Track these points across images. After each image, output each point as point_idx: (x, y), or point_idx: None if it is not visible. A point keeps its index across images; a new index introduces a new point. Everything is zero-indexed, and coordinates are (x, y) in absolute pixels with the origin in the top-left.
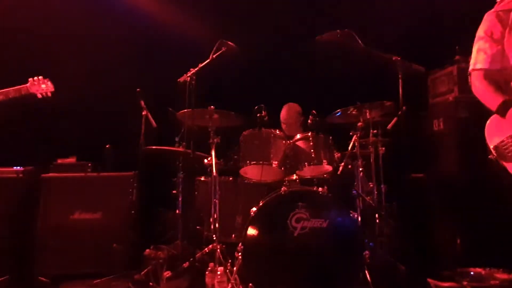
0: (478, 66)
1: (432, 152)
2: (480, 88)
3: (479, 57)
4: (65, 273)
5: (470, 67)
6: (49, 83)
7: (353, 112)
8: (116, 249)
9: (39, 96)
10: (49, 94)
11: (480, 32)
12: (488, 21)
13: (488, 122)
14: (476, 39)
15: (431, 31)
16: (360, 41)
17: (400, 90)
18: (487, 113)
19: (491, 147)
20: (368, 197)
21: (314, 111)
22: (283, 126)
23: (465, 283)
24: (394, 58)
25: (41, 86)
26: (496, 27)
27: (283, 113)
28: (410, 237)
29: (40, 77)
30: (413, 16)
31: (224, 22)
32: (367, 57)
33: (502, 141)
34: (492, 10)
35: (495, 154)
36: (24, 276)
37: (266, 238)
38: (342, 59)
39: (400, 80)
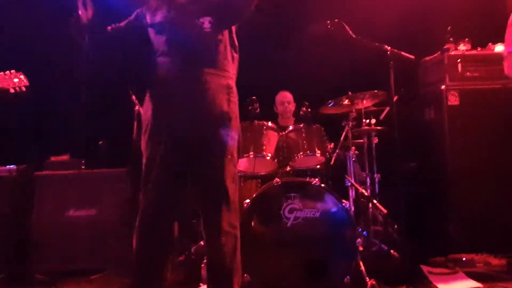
0: None
1: (424, 141)
2: None
3: None
4: (61, 270)
5: (507, 50)
6: (22, 76)
7: (345, 102)
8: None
9: (12, 91)
10: (23, 88)
11: None
12: None
13: None
14: (510, 23)
15: (421, 20)
16: (350, 31)
17: (391, 80)
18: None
19: None
20: (361, 187)
21: (306, 102)
22: (279, 116)
23: (458, 269)
24: (384, 48)
25: (14, 80)
26: None
27: (279, 103)
28: (403, 225)
29: (12, 71)
30: (402, 5)
31: None
32: (358, 47)
33: None
34: None
35: None
36: (20, 274)
37: (259, 229)
38: (333, 49)
39: (391, 70)
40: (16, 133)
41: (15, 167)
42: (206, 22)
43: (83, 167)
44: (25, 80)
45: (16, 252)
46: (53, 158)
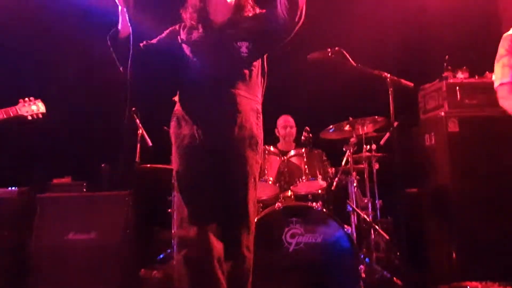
0: (505, 80)
1: (425, 167)
2: (508, 101)
3: (504, 72)
4: None
5: (497, 83)
6: (40, 104)
7: (346, 128)
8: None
9: (29, 118)
10: (40, 115)
11: (502, 50)
12: (509, 40)
13: None
14: (498, 57)
15: (420, 48)
16: (350, 59)
17: (391, 106)
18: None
19: None
20: (363, 212)
21: (307, 127)
22: (281, 140)
23: None
24: (383, 75)
25: (31, 108)
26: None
27: (281, 127)
28: (405, 252)
29: (31, 98)
30: (401, 34)
31: None
32: (358, 73)
33: None
34: (507, 33)
35: None
36: None
37: (261, 254)
38: (334, 76)
39: (390, 96)
40: (19, 155)
41: (17, 189)
42: (243, 47)
43: (84, 189)
44: (42, 108)
45: (14, 275)
46: (55, 181)
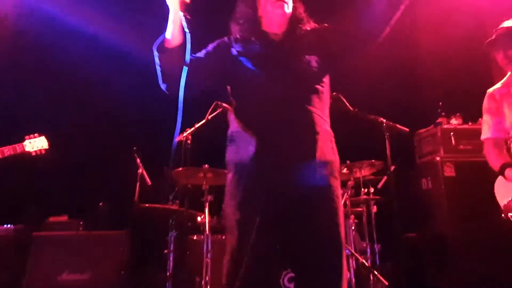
0: (484, 136)
1: (423, 211)
2: (486, 154)
3: (484, 128)
4: None
5: (482, 137)
6: (43, 140)
7: (344, 171)
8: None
9: (33, 154)
10: (43, 151)
11: (483, 107)
12: (486, 98)
13: (495, 183)
14: (484, 110)
15: (415, 95)
16: (347, 104)
17: (387, 150)
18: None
19: (502, 206)
20: (362, 257)
21: None
22: None
23: None
24: (380, 120)
25: (36, 144)
26: (491, 103)
27: None
28: None
29: (35, 135)
30: (397, 80)
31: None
32: (355, 118)
33: (509, 201)
34: (490, 90)
35: (505, 214)
36: None
37: None
38: (332, 120)
39: (387, 141)
40: (16, 192)
41: (13, 227)
42: (313, 61)
43: (81, 228)
44: (45, 144)
45: None
46: (51, 219)
